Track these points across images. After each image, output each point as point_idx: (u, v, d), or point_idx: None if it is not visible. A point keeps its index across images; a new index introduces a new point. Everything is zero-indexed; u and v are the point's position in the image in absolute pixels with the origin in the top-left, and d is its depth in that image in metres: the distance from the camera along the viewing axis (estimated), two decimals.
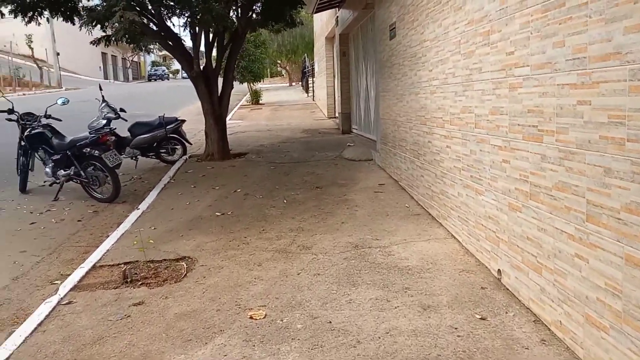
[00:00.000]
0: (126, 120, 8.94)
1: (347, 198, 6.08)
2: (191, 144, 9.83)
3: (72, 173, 6.66)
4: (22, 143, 7.05)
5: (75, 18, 8.09)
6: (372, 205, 5.74)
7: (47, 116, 7.16)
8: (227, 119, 17.07)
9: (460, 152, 4.21)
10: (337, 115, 15.63)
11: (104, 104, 8.81)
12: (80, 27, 7.16)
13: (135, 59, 63.39)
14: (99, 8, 6.83)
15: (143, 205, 6.18)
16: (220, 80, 9.14)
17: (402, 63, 6.18)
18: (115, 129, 8.52)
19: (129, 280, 3.90)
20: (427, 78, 5.10)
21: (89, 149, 6.49)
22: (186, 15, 6.79)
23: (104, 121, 8.44)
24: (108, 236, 5.22)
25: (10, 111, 7.06)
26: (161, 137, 9.07)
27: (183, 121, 9.27)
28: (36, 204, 6.71)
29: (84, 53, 46.05)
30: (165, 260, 4.34)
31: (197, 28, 8.21)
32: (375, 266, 3.91)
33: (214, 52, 9.58)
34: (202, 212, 5.82)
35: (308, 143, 10.73)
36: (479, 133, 3.78)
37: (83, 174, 6.64)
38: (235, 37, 9.04)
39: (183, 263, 4.24)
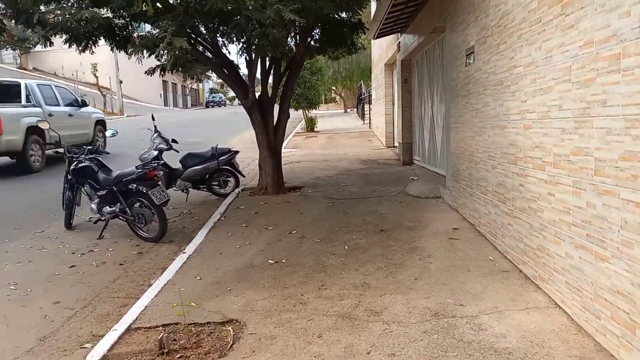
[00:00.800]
0: (178, 152, 8.55)
1: (418, 245, 5.30)
2: (244, 176, 9.34)
3: (117, 210, 6.23)
4: (68, 177, 6.71)
5: (129, 47, 7.80)
6: (448, 255, 4.94)
7: (96, 149, 6.82)
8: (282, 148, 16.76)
9: (569, 202, 3.38)
10: (396, 144, 14.89)
11: (156, 135, 8.46)
12: (130, 55, 6.83)
13: (194, 86, 65.16)
14: (149, 35, 6.47)
15: (190, 248, 5.63)
16: (275, 110, 8.63)
17: (482, 92, 5.41)
18: (162, 162, 8.17)
19: (165, 350, 3.28)
20: (518, 110, 4.31)
21: (135, 185, 6.04)
22: (242, 41, 6.31)
23: (156, 152, 8.10)
24: (150, 285, 4.67)
25: (58, 144, 6.76)
26: (213, 169, 8.61)
27: (236, 152, 8.80)
28: (79, 243, 6.29)
29: (145, 81, 47.35)
30: (209, 323, 3.70)
31: (253, 55, 7.76)
32: (464, 345, 3.12)
33: (270, 80, 9.13)
34: (254, 258, 5.18)
35: (367, 176, 10.02)
36: (603, 182, 2.96)
37: (129, 211, 6.19)
38: (293, 64, 8.54)
39: (230, 328, 3.59)
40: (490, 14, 5.09)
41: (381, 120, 16.73)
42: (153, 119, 8.66)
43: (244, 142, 17.85)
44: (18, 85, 11.68)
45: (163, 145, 8.33)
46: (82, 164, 6.48)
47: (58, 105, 12.53)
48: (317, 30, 9.00)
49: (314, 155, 14.03)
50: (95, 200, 6.46)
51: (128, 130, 22.69)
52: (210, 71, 8.77)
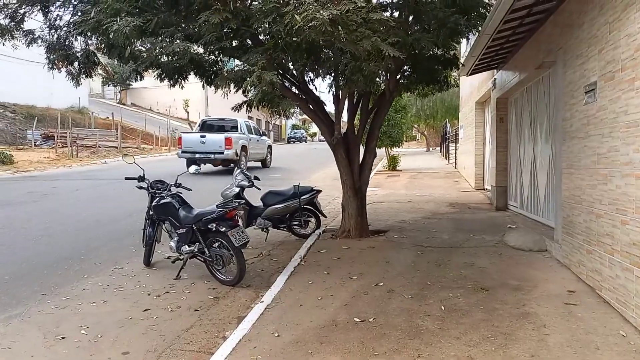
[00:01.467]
0: (259, 189, 8.28)
1: (528, 311, 4.53)
2: (325, 217, 8.88)
3: (196, 250, 5.95)
4: (150, 212, 6.56)
5: (217, 81, 7.72)
6: (567, 326, 4.14)
7: (177, 185, 6.65)
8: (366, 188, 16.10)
9: None
10: (486, 187, 13.94)
11: (238, 171, 8.24)
12: (217, 89, 6.67)
13: (277, 123, 66.81)
14: (238, 69, 6.27)
15: (268, 296, 5.17)
16: (361, 149, 8.17)
17: (607, 134, 4.65)
18: (244, 200, 7.92)
19: None
20: None
21: (214, 225, 5.73)
22: (331, 75, 5.93)
23: (237, 189, 7.86)
24: (224, 338, 4.26)
25: (141, 179, 6.66)
26: (294, 208, 8.24)
27: (319, 192, 8.39)
28: (157, 282, 6.05)
29: (232, 116, 49.51)
30: None
31: (341, 90, 7.39)
32: None
33: (356, 117, 8.75)
34: (337, 314, 4.64)
35: (457, 221, 9.24)
36: None
37: (207, 251, 5.89)
38: (382, 101, 8.09)
39: None
40: (620, 45, 4.37)
41: (469, 161, 15.84)
42: (237, 155, 8.46)
43: (324, 178, 17.58)
44: (236, 121, 19.66)
45: (245, 182, 8.08)
46: (164, 200, 6.31)
47: (252, 134, 20.51)
48: (408, 66, 8.54)
49: (397, 195, 13.39)
50: (175, 238, 6.23)
51: (210, 165, 23.23)
52: (296, 107, 8.50)
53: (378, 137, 8.13)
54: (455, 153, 21.56)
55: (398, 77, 8.17)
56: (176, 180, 6.67)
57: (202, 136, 18.14)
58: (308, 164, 23.54)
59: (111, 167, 22.89)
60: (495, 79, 11.00)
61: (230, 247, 5.68)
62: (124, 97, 56.10)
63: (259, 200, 8.39)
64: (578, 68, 5.47)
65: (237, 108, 8.41)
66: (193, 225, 5.91)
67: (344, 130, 8.11)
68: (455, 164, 21.26)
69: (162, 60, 6.86)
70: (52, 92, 32.48)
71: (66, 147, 27.42)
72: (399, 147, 21.35)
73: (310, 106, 7.87)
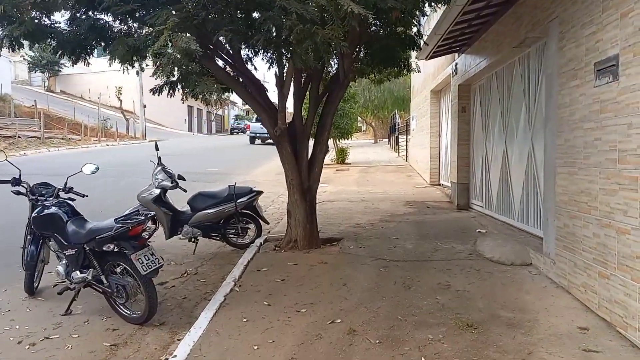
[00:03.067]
0: (185, 191, 6.78)
1: None
2: (267, 223, 7.47)
3: (90, 277, 4.42)
4: (31, 226, 4.94)
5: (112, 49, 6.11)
6: None
7: (67, 190, 5.07)
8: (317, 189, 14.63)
9: None
10: (442, 183, 12.95)
11: (158, 168, 6.73)
12: (111, 59, 5.10)
13: (220, 113, 64.36)
14: (143, 33, 4.71)
15: (183, 348, 3.73)
16: (310, 142, 6.80)
17: (637, 124, 3.50)
18: (166, 203, 6.45)
19: None
20: None
21: (113, 246, 4.22)
22: (272, 44, 4.49)
23: (158, 191, 6.38)
24: None
25: (16, 181, 5.03)
26: (230, 214, 6.80)
27: (259, 193, 6.98)
28: (37, 321, 4.49)
29: (170, 106, 46.59)
30: None
31: (285, 71, 6.00)
32: None
33: (305, 105, 7.39)
34: None
35: (419, 225, 8.06)
36: None
37: (105, 280, 4.38)
38: (334, 85, 6.75)
39: None
40: None
41: (423, 154, 14.83)
42: (157, 148, 6.94)
43: (267, 173, 16.15)
44: None
45: (167, 183, 6.59)
46: (47, 211, 4.70)
47: None
48: (363, 46, 7.25)
49: (349, 193, 12.14)
50: (63, 262, 4.67)
51: (142, 157, 21.27)
52: (230, 93, 7.03)
53: (330, 127, 6.78)
54: (407, 145, 20.61)
55: (354, 56, 6.85)
56: (65, 183, 5.08)
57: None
58: (251, 157, 21.96)
59: (29, 159, 20.46)
60: (456, 64, 9.91)
61: (135, 276, 4.20)
62: (52, 84, 52.22)
63: (186, 204, 6.90)
64: (585, 40, 4.32)
65: (157, 91, 6.83)
66: (85, 245, 4.38)
67: (289, 120, 6.72)
68: (407, 157, 20.31)
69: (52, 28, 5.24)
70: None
71: None
72: (348, 139, 20.14)
73: (248, 90, 6.43)
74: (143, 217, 4.24)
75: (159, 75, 4.98)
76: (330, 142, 20.34)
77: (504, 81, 7.67)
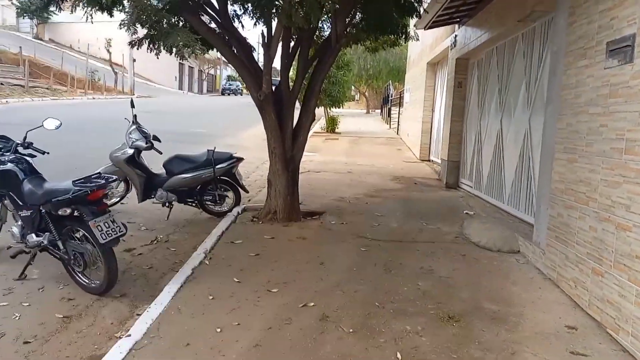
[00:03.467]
0: (161, 153, 6.39)
1: None
2: (247, 192, 7.12)
3: (46, 242, 4.08)
4: None
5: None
6: None
7: (26, 145, 4.67)
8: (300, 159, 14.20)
9: None
10: (432, 159, 12.65)
11: (133, 127, 6.32)
12: (73, 8, 4.63)
13: (212, 72, 63.09)
14: None
15: (142, 323, 3.43)
16: (297, 109, 6.41)
17: None
18: (140, 164, 6.09)
19: None
20: None
21: (69, 210, 3.87)
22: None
23: (131, 151, 6.00)
24: None
25: None
26: (207, 179, 6.45)
27: (239, 160, 6.61)
28: None
29: (161, 62, 45.21)
30: None
31: (273, 29, 5.56)
32: None
33: (293, 69, 6.98)
34: None
35: (406, 202, 7.78)
36: None
37: (62, 246, 4.04)
38: (325, 49, 6.32)
39: None
40: None
41: (414, 128, 14.48)
42: (132, 105, 6.50)
43: (254, 137, 15.73)
44: None
45: (141, 143, 6.21)
46: (1, 167, 4.31)
47: None
48: (359, 9, 6.81)
49: (336, 163, 11.80)
50: (19, 222, 4.31)
51: (126, 112, 20.70)
52: (211, 50, 6.56)
53: (319, 94, 6.38)
54: (398, 118, 20.22)
55: (348, 20, 6.41)
56: (25, 137, 4.68)
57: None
58: (239, 120, 21.43)
59: (11, 108, 19.81)
60: (455, 35, 9.47)
61: (95, 243, 3.86)
62: (41, 32, 50.58)
63: (161, 167, 6.53)
64: (598, 17, 3.95)
65: (137, 44, 6.34)
66: (41, 207, 4.02)
67: (275, 85, 6.31)
68: (398, 129, 19.95)
69: None
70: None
71: None
72: (339, 107, 19.68)
73: (234, 49, 6.00)
74: (104, 181, 3.87)
75: (126, 25, 4.52)
76: (321, 110, 19.88)
77: (505, 57, 7.28)
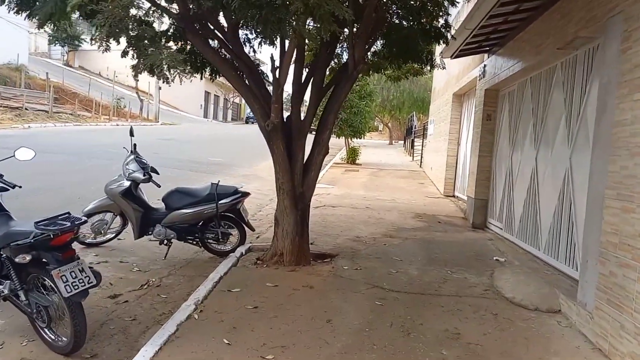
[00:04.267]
0: (159, 186, 5.87)
1: None
2: (253, 230, 6.52)
3: (6, 291, 3.52)
4: None
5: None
6: None
7: None
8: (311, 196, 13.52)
9: None
10: (457, 195, 11.93)
11: (131, 157, 5.84)
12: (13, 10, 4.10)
13: (237, 101, 63.48)
14: None
15: None
16: (308, 140, 5.84)
17: None
18: (138, 197, 5.56)
19: None
20: None
21: (28, 257, 3.31)
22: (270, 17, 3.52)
23: (128, 183, 5.48)
24: None
25: None
26: (209, 216, 5.89)
27: (245, 195, 6.05)
28: None
29: (187, 90, 45.89)
30: None
31: (285, 51, 5.04)
32: None
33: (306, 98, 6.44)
34: None
35: (428, 244, 7.08)
36: None
37: (24, 296, 3.47)
38: (342, 76, 5.77)
39: None
40: None
41: (439, 162, 13.80)
42: (131, 134, 6.03)
43: (270, 167, 15.13)
44: None
45: (138, 175, 5.70)
46: None
47: None
48: (380, 36, 6.29)
49: (354, 197, 11.16)
50: None
51: (149, 141, 20.52)
52: (203, 73, 6.09)
53: (333, 125, 5.80)
54: (422, 150, 19.56)
55: (367, 46, 5.88)
56: None
57: None
58: (259, 150, 20.95)
59: (31, 133, 19.80)
60: (484, 65, 8.87)
61: (61, 295, 3.29)
62: (71, 59, 51.85)
63: (160, 201, 6.00)
64: None
65: (137, 70, 5.90)
66: (1, 251, 3.47)
67: (286, 114, 5.78)
68: (421, 162, 19.26)
69: None
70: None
71: None
72: (360, 138, 19.12)
73: (240, 73, 5.49)
74: (70, 224, 3.31)
75: (96, 41, 4.03)
76: (342, 140, 19.36)
77: (541, 89, 6.63)
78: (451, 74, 12.89)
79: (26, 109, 26.69)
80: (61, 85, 37.25)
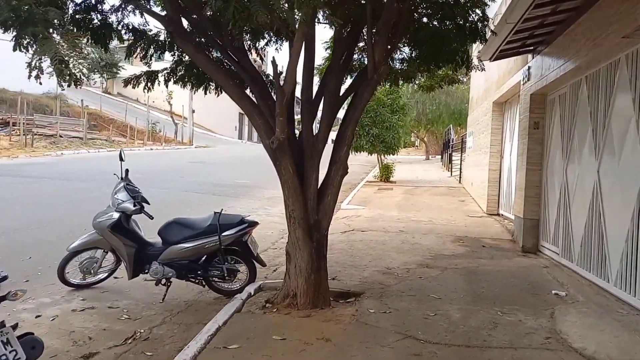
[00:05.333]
0: (152, 218, 5.11)
1: None
2: (264, 265, 5.63)
3: None
4: None
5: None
6: None
7: None
8: (344, 202, 12.85)
9: None
10: (502, 213, 10.80)
11: (121, 185, 5.11)
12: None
13: None
14: None
15: None
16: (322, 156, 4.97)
17: None
18: (130, 230, 4.81)
19: None
20: None
21: None
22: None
23: (117, 215, 4.74)
24: None
25: None
26: (212, 250, 5.08)
27: (252, 225, 5.22)
28: None
29: (222, 112, 46.08)
30: None
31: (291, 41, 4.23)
32: None
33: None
34: None
35: (472, 276, 6.05)
36: None
37: None
38: (361, 82, 4.91)
39: None
40: None
41: (480, 177, 12.69)
42: (121, 158, 5.32)
43: None
44: None
45: (128, 205, 4.95)
46: None
47: None
48: (406, 37, 5.43)
49: (387, 219, 10.18)
50: None
51: (179, 164, 20.11)
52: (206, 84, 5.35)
53: (352, 140, 4.90)
54: (460, 165, 18.39)
55: (389, 47, 4.99)
56: None
57: None
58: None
59: (60, 160, 19.71)
60: (529, 67, 7.85)
61: None
62: (110, 87, 53.12)
63: (157, 235, 5.22)
64: None
65: (133, 83, 5.24)
66: None
67: (298, 130, 4.94)
68: (460, 177, 18.09)
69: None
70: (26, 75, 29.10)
71: (27, 135, 24.12)
72: (394, 154, 18.12)
73: (238, 82, 4.71)
74: None
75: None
76: (375, 157, 18.42)
77: (600, 88, 5.60)
78: (490, 81, 11.85)
79: (60, 136, 26.91)
80: (99, 112, 37.87)
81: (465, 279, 5.88)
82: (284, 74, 4.26)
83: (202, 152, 29.13)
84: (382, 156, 18.06)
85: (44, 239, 7.27)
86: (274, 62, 4.15)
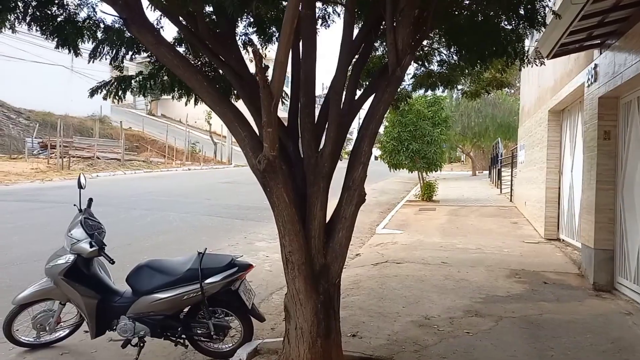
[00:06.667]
0: (112, 262, 4.02)
1: None
2: (262, 319, 4.43)
3: None
4: None
5: None
6: None
7: None
8: (380, 225, 11.36)
9: None
10: (563, 238, 9.28)
11: (77, 220, 4.06)
12: None
13: None
14: None
15: None
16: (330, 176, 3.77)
17: None
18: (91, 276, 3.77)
19: None
20: None
21: None
22: None
23: (72, 258, 3.69)
24: None
25: None
26: (194, 302, 3.96)
27: (245, 269, 4.07)
28: None
29: None
30: None
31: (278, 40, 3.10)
32: None
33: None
34: None
35: (535, 331, 4.69)
36: None
37: None
38: (380, 81, 3.72)
39: None
40: None
41: (534, 195, 11.17)
42: (80, 186, 4.27)
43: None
44: None
45: (84, 246, 3.88)
46: None
47: None
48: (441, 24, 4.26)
49: (427, 246, 8.84)
50: None
51: (208, 184, 19.32)
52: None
53: (369, 157, 3.69)
54: (511, 181, 16.76)
55: (418, 35, 3.80)
56: None
57: None
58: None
59: (94, 182, 19.25)
60: (595, 65, 6.48)
61: None
62: (154, 108, 54.12)
63: (125, 282, 4.14)
64: None
65: (101, 91, 4.28)
66: None
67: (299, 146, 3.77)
68: (511, 195, 16.45)
69: None
70: (71, 98, 29.79)
71: (64, 157, 24.09)
72: (436, 171, 16.67)
73: (242, 90, 3.64)
74: None
75: None
76: (416, 174, 17.05)
77: None
78: (543, 87, 10.41)
79: (98, 157, 26.81)
80: (141, 133, 38.09)
81: (527, 334, 4.53)
82: (271, 69, 3.13)
83: (237, 171, 28.40)
84: (425, 173, 16.65)
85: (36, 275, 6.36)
86: (256, 52, 3.02)
